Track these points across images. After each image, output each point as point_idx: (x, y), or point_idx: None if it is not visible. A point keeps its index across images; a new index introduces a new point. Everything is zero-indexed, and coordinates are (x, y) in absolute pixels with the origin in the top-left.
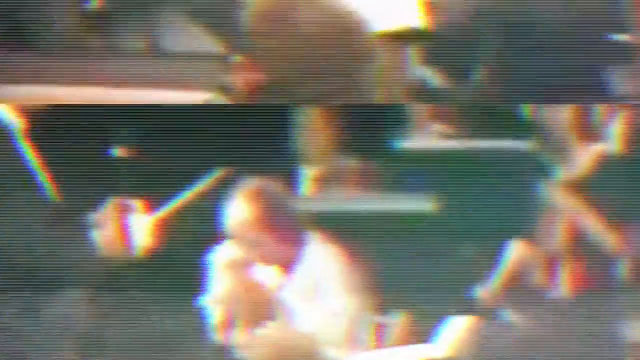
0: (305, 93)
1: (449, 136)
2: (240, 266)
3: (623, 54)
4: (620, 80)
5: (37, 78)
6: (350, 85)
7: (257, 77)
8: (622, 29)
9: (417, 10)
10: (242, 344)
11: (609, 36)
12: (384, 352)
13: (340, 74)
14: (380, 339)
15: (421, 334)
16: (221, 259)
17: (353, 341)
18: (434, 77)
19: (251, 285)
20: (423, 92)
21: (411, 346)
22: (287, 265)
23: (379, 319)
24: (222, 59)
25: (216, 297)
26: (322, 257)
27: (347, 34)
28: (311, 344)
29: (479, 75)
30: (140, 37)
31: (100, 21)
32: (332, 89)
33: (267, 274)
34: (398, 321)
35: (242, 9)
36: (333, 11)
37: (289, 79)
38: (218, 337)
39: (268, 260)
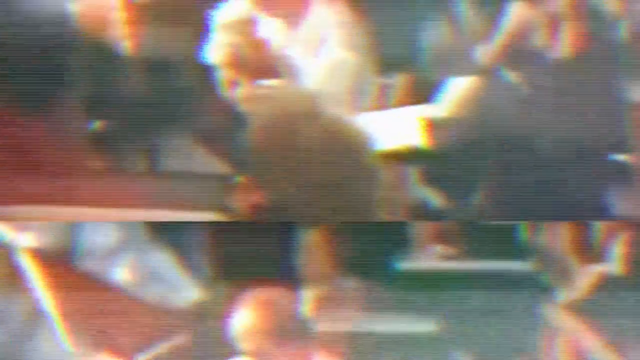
0: (306, 211)
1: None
2: (246, 23)
3: (623, 173)
4: (620, 199)
5: None
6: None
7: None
8: (623, 150)
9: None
10: (246, 98)
11: (610, 156)
12: (386, 113)
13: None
14: (382, 100)
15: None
16: (227, 16)
17: (355, 99)
18: (434, 197)
19: (256, 42)
20: (424, 211)
21: (412, 106)
22: (292, 19)
23: (381, 79)
24: None
25: (222, 54)
26: (326, 12)
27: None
28: (313, 101)
29: (479, 193)
30: None
31: None
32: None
33: (272, 30)
34: (399, 82)
35: None
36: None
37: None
38: (224, 93)
39: (273, 12)
